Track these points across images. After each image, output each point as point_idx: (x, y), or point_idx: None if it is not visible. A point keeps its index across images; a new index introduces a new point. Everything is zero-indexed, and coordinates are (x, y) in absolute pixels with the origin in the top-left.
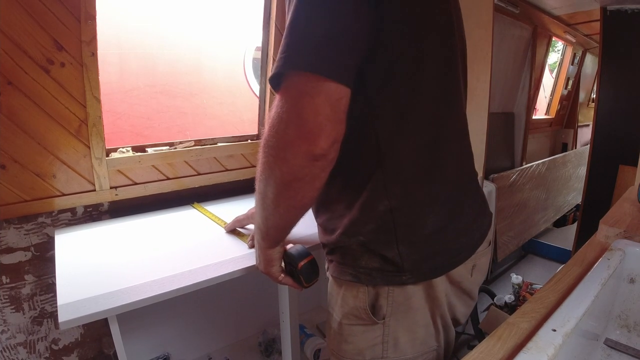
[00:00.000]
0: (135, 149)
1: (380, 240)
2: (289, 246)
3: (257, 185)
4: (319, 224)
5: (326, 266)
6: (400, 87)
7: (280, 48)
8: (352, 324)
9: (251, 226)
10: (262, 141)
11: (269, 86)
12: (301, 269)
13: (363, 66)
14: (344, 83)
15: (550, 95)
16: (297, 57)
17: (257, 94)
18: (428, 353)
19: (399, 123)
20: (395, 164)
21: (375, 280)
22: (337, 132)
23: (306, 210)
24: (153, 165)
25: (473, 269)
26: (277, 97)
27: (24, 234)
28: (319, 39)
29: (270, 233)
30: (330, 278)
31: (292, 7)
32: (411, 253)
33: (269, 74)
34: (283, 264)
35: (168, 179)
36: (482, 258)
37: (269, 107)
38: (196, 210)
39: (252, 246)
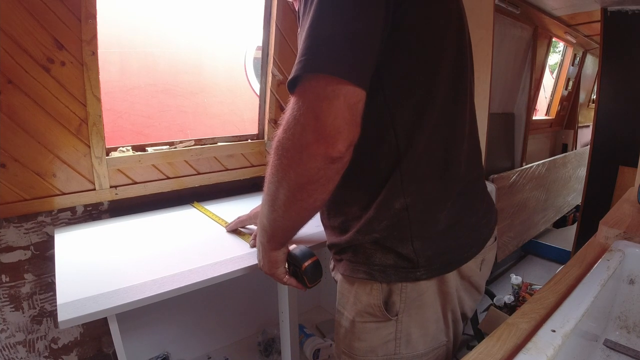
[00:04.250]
0: (136, 148)
1: (394, 237)
2: (292, 247)
3: (267, 187)
4: (329, 226)
5: (331, 266)
6: (418, 87)
7: (300, 51)
8: (366, 322)
9: (252, 226)
10: (274, 143)
11: (269, 85)
12: (305, 269)
13: (382, 68)
14: (361, 86)
15: (551, 96)
16: (315, 59)
17: (258, 93)
18: (438, 348)
19: (416, 122)
20: (412, 162)
21: (390, 277)
22: (353, 135)
23: (316, 212)
24: (153, 165)
25: (482, 264)
26: (293, 99)
27: (24, 233)
28: (337, 42)
29: (277, 235)
30: (341, 277)
31: (311, 11)
32: (425, 249)
33: (269, 74)
34: (286, 264)
35: (168, 178)
36: (489, 252)
37: (269, 106)
38: (196, 210)
39: (254, 245)
